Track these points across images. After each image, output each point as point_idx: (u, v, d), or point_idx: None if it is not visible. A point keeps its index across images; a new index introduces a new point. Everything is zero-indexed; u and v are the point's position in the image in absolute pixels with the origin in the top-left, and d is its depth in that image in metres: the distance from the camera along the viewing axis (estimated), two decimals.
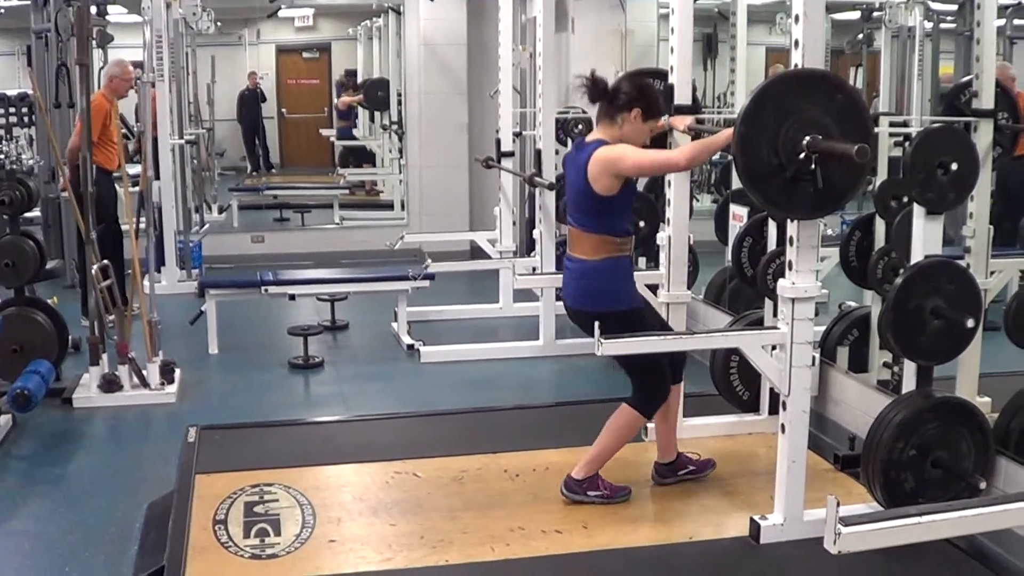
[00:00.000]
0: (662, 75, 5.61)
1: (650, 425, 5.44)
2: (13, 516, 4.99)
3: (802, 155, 3.93)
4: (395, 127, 13.39)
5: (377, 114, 14.83)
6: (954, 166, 4.32)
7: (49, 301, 6.98)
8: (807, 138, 3.92)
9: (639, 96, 4.63)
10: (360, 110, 15.71)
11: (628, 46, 9.40)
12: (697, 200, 8.71)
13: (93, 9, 7.77)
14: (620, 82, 4.75)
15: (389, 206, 13.57)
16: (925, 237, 4.41)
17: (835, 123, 3.97)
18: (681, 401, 5.25)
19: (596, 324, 4.27)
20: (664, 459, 5.13)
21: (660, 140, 5.33)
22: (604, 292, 4.77)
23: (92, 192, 6.54)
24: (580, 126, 8.36)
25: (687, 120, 5.17)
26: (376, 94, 14.46)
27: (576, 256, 4.83)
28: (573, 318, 5.02)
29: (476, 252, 9.65)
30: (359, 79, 16.43)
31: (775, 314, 4.86)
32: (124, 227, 7.80)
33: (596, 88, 4.72)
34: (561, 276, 5.01)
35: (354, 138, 15.58)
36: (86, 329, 6.73)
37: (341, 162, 15.79)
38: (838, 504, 3.26)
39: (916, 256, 4.44)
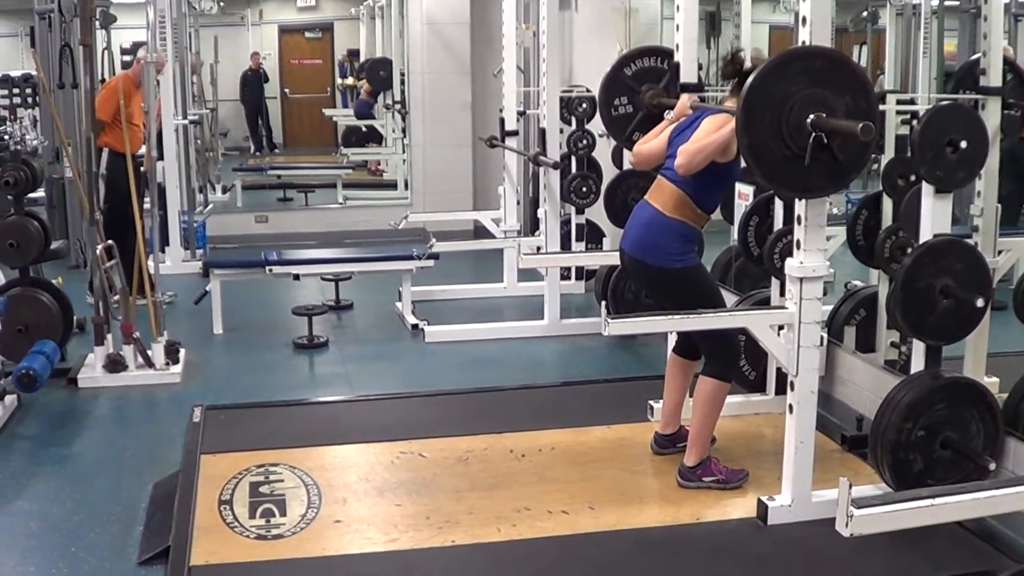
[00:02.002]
0: (667, 53, 5.59)
1: (656, 405, 5.44)
2: (19, 496, 4.98)
3: (804, 130, 3.92)
4: (398, 107, 13.35)
5: (380, 94, 14.80)
6: (963, 144, 4.28)
7: (54, 281, 6.97)
8: (810, 117, 3.90)
9: None
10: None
11: (632, 24, 9.37)
12: None
13: None
14: (755, 62, 4.69)
15: (392, 186, 13.52)
16: (934, 216, 4.37)
17: (828, 89, 3.95)
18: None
19: (603, 304, 4.24)
20: (665, 430, 5.14)
21: (657, 120, 5.30)
22: (665, 248, 4.71)
23: (103, 174, 6.50)
24: (584, 105, 8.31)
25: (687, 102, 5.08)
26: (379, 74, 14.42)
27: (651, 203, 4.78)
28: (628, 265, 4.96)
29: (480, 232, 9.62)
30: (361, 59, 16.40)
31: (782, 293, 4.84)
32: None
33: (731, 66, 4.73)
34: (565, 255, 4.96)
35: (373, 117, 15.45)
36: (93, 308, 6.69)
37: (344, 142, 15.76)
38: (851, 486, 3.24)
39: (925, 235, 4.40)
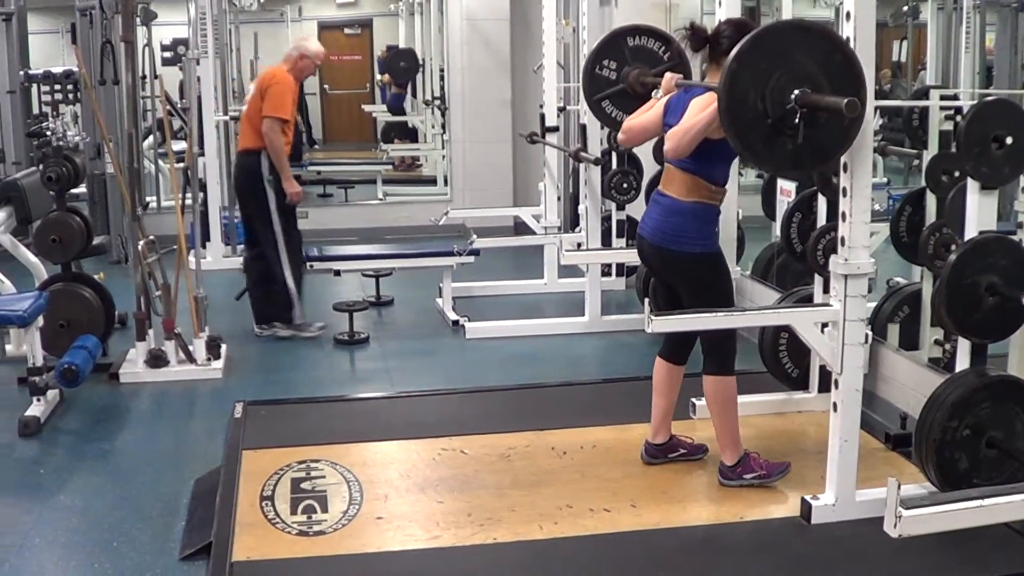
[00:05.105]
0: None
1: (699, 403, 5.40)
2: (61, 491, 5.00)
3: (788, 106, 3.85)
4: (438, 102, 13.35)
5: (418, 90, 14.79)
6: (1009, 140, 4.23)
7: (96, 277, 7.01)
8: (796, 92, 3.84)
9: (740, 37, 4.52)
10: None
11: (672, 19, 9.31)
12: (741, 175, 8.63)
13: None
14: (720, 27, 4.66)
15: (432, 182, 13.55)
16: (979, 212, 4.31)
17: (828, 83, 3.88)
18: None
19: (647, 302, 4.22)
20: (656, 439, 5.05)
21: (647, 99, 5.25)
22: (686, 233, 4.65)
23: (269, 179, 6.68)
24: None
25: (671, 80, 4.93)
26: (399, 64, 14.37)
27: (667, 193, 4.72)
28: (647, 252, 4.88)
29: (520, 228, 9.61)
30: None
31: (825, 290, 4.80)
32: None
33: (696, 37, 4.67)
34: (606, 251, 4.92)
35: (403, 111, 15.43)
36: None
37: (384, 138, 15.77)
38: (899, 486, 3.21)
39: (970, 232, 4.35)
